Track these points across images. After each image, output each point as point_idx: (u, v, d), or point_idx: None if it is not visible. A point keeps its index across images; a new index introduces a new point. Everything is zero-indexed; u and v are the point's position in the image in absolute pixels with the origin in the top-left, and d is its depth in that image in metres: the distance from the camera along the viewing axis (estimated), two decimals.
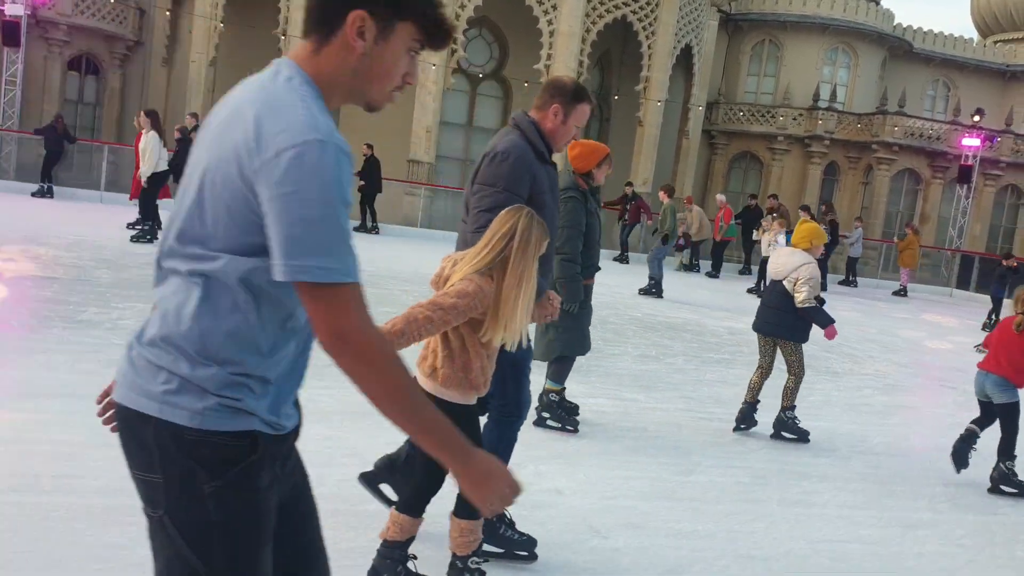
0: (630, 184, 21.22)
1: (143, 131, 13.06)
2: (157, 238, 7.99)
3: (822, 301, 6.20)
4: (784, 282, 6.03)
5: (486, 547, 3.38)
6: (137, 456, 1.67)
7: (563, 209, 5.11)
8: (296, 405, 1.89)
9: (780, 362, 6.28)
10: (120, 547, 3.20)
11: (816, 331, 6.12)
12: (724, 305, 14.89)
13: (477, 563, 3.28)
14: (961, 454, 5.59)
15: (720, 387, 7.67)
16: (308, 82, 1.68)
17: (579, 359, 8.02)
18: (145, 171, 12.97)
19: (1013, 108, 34.17)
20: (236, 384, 1.63)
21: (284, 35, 22.96)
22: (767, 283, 6.55)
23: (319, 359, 5.54)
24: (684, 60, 27.39)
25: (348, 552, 3.40)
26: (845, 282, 23.02)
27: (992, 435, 5.71)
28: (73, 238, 11.90)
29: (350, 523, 3.68)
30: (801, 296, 5.91)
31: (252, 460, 1.66)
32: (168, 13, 27.47)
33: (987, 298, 22.48)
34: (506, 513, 3.37)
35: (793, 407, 6.23)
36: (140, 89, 29.23)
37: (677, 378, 7.85)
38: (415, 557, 3.24)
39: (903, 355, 11.46)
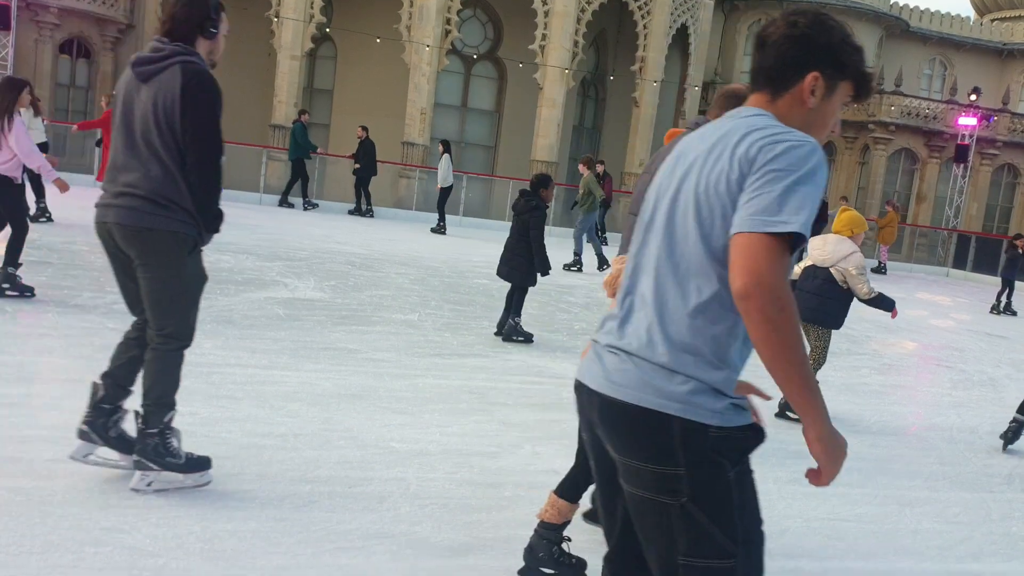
0: (601, 163, 20.92)
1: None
2: None
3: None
4: (832, 270, 6.01)
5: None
6: (648, 450, 1.87)
7: None
8: None
9: None
10: (117, 530, 3.20)
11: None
12: None
13: (563, 538, 3.36)
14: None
15: None
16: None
17: (573, 340, 8.03)
18: None
19: (1010, 87, 34.10)
20: (732, 383, 1.90)
21: (277, 17, 22.81)
22: (803, 269, 6.41)
23: (315, 342, 5.56)
24: (680, 40, 27.27)
25: (345, 533, 3.41)
26: None
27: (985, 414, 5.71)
28: (66, 222, 11.85)
29: (347, 505, 3.68)
30: (864, 288, 6.00)
31: (754, 447, 1.96)
32: None
33: (983, 278, 22.53)
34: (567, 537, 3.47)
35: None
36: None
37: None
38: (570, 539, 3.36)
39: (900, 335, 11.47)
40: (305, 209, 19.20)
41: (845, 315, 6.16)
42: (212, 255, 10.47)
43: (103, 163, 14.29)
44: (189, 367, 5.48)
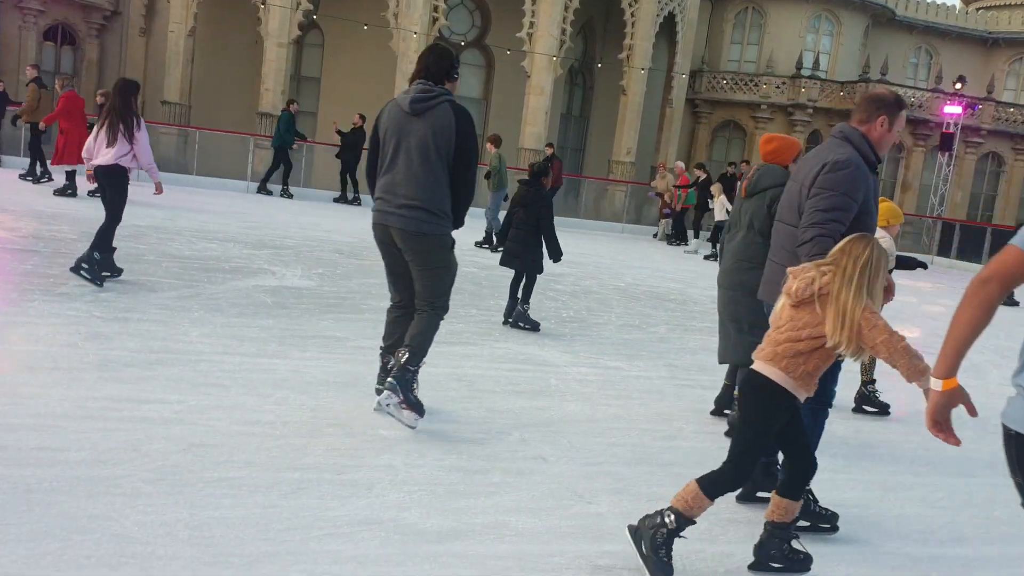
0: (550, 145, 20.76)
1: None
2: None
3: None
4: None
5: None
6: None
7: None
8: None
9: None
10: (104, 518, 3.20)
11: None
12: (709, 274, 14.93)
13: (793, 535, 3.52)
14: None
15: (703, 355, 7.71)
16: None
17: (561, 328, 8.06)
18: None
19: (994, 75, 34.26)
20: None
21: (263, 4, 22.66)
22: None
23: (303, 330, 5.57)
24: (667, 28, 27.26)
25: (334, 520, 3.42)
26: None
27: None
28: (52, 210, 11.79)
29: (336, 492, 3.69)
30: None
31: None
32: None
33: (968, 265, 22.69)
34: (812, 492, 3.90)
35: (873, 380, 6.43)
36: (118, 59, 28.87)
37: (660, 346, 7.89)
38: (798, 536, 3.53)
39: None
40: (282, 196, 19.09)
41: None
42: (199, 243, 10.44)
43: (57, 149, 14.21)
44: (176, 355, 5.50)
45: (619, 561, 3.38)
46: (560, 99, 27.48)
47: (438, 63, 4.75)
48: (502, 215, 12.55)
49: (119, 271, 7.68)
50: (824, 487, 4.57)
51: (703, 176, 19.33)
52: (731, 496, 4.25)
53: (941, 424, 2.57)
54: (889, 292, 4.09)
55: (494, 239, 14.20)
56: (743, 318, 5.21)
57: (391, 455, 4.22)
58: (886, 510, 4.35)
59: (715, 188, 18.61)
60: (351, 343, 6.45)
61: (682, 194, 20.27)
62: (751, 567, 3.49)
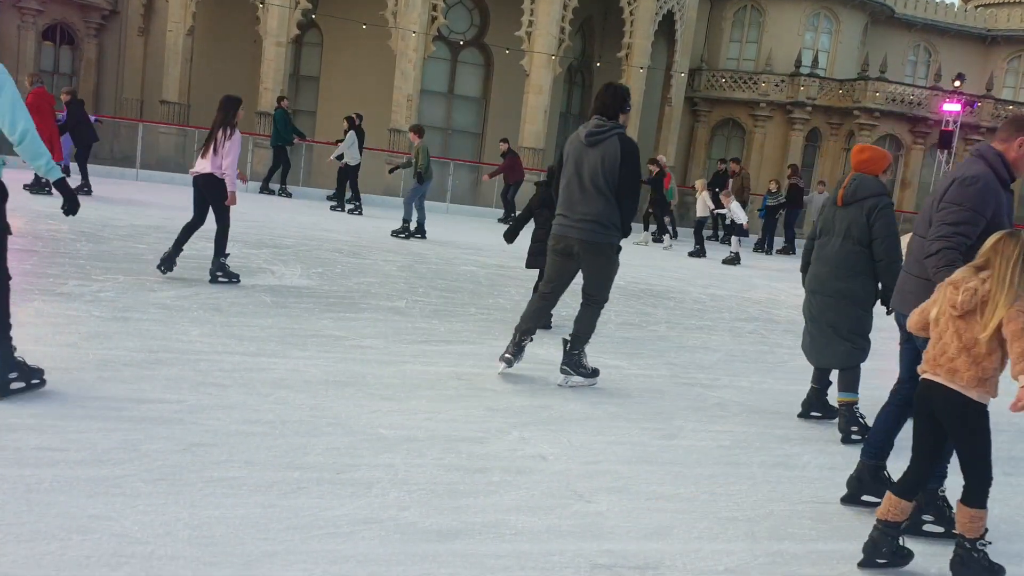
0: (505, 141, 20.63)
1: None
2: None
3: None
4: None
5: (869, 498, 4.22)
6: None
7: (888, 218, 5.43)
8: None
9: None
10: (104, 518, 3.20)
11: None
12: (707, 272, 14.94)
13: (983, 544, 3.61)
14: None
15: (702, 353, 7.72)
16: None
17: (561, 326, 8.06)
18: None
19: (993, 73, 34.24)
20: None
21: (262, 3, 22.65)
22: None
23: (303, 329, 5.57)
24: (666, 27, 27.26)
25: (334, 519, 3.42)
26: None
27: None
28: (50, 210, 11.79)
29: (335, 491, 3.69)
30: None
31: None
32: None
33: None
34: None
35: None
36: (116, 59, 28.85)
37: (660, 345, 7.89)
38: (903, 536, 3.71)
39: (883, 319, 11.53)
40: (279, 195, 19.07)
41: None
42: (198, 243, 10.45)
43: None
44: (176, 355, 5.50)
45: (619, 560, 3.38)
46: (559, 98, 27.47)
47: (612, 101, 5.74)
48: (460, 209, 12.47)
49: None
50: (823, 485, 4.58)
51: (656, 171, 19.11)
52: (729, 495, 4.25)
53: None
54: None
55: (412, 228, 14.23)
56: (842, 325, 5.57)
57: (391, 454, 4.22)
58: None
59: (699, 184, 18.63)
60: (350, 342, 6.45)
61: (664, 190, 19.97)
62: (861, 564, 3.63)
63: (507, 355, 6.05)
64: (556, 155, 27.34)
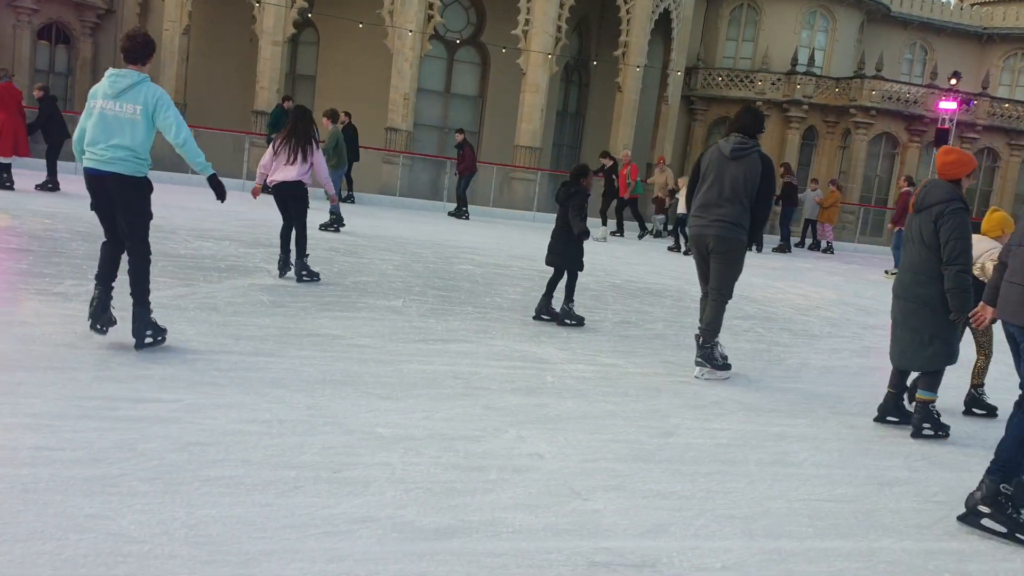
0: (461, 131, 20.27)
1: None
2: None
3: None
4: (974, 268, 6.03)
5: (990, 524, 4.12)
6: None
7: (954, 221, 5.44)
8: None
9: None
10: (101, 517, 3.20)
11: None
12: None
13: None
14: None
15: None
16: None
17: (557, 326, 8.07)
18: None
19: (989, 71, 34.30)
20: None
21: (258, 2, 22.63)
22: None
23: (299, 328, 5.56)
24: (663, 25, 27.27)
25: (331, 518, 3.42)
26: (800, 243, 23.39)
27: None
28: (48, 210, 11.77)
29: (332, 490, 3.69)
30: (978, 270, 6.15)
31: None
32: None
33: None
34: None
35: (983, 384, 6.60)
36: (112, 58, 28.79)
37: (657, 343, 7.90)
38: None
39: (880, 317, 11.56)
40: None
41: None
42: (194, 242, 10.43)
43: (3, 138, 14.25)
44: (172, 354, 5.49)
45: (616, 557, 3.39)
46: (556, 96, 27.47)
47: (752, 123, 6.63)
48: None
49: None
50: (820, 483, 4.58)
51: (609, 163, 18.97)
52: (726, 493, 4.26)
53: None
54: None
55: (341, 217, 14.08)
56: (923, 329, 5.63)
57: (388, 453, 4.22)
58: (882, 505, 4.36)
59: (681, 181, 18.64)
60: (347, 341, 6.45)
61: (631, 183, 19.84)
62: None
63: (702, 371, 6.69)
64: (552, 153, 27.28)
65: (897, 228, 17.93)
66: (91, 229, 10.46)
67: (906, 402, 6.14)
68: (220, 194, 6.05)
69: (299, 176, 8.79)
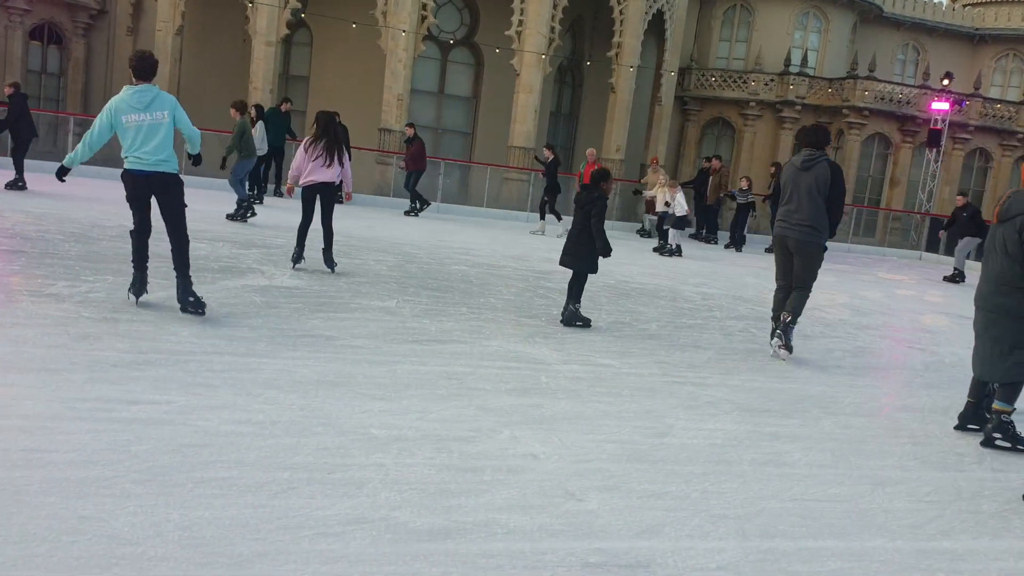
0: (411, 125, 19.78)
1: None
2: None
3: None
4: None
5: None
6: None
7: None
8: None
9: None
10: (94, 519, 3.19)
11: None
12: (698, 271, 14.98)
13: None
14: None
15: (693, 351, 7.73)
16: None
17: (551, 326, 8.07)
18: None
19: (981, 72, 34.41)
20: None
21: (251, 2, 22.59)
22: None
23: (293, 329, 5.55)
24: (656, 26, 27.28)
25: (324, 519, 3.42)
26: None
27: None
28: (39, 211, 11.74)
29: (326, 491, 3.69)
30: None
31: None
32: None
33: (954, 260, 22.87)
34: None
35: None
36: (105, 59, 28.73)
37: (651, 344, 7.91)
38: None
39: (873, 317, 11.59)
40: (274, 195, 19.01)
41: None
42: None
43: None
44: (165, 355, 5.48)
45: (610, 558, 3.39)
46: (549, 97, 27.46)
47: (819, 138, 7.69)
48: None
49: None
50: (813, 482, 4.59)
51: (551, 157, 18.61)
52: (720, 493, 4.27)
53: None
54: None
55: (242, 207, 13.95)
56: (1004, 340, 5.64)
57: (381, 454, 4.22)
58: (875, 505, 4.37)
59: (661, 178, 18.64)
60: (341, 342, 6.44)
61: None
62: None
63: (778, 343, 7.74)
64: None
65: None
66: (84, 231, 10.44)
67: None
68: (198, 161, 7.52)
69: (335, 177, 9.50)
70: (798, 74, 31.63)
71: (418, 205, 19.40)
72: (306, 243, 9.57)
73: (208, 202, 14.47)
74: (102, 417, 4.25)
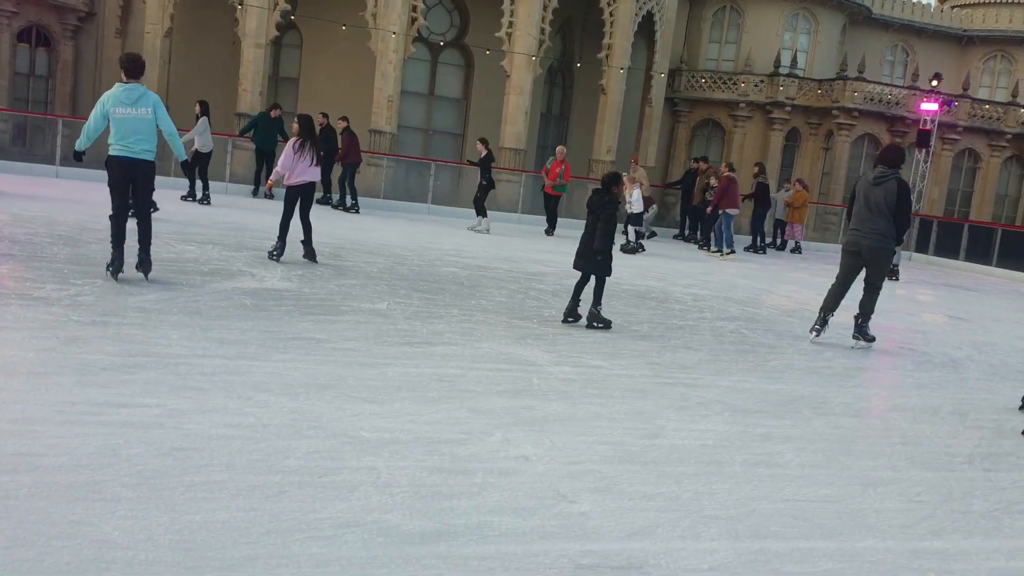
0: (344, 118, 19.24)
1: None
2: None
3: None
4: None
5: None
6: None
7: None
8: None
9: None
10: (84, 523, 3.17)
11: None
12: (688, 272, 15.00)
13: None
14: None
15: (684, 352, 7.74)
16: None
17: (542, 328, 8.07)
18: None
19: (970, 73, 34.59)
20: None
21: (241, 4, 22.53)
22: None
23: (283, 332, 5.53)
24: (646, 27, 27.33)
25: (316, 523, 3.41)
26: (772, 244, 23.34)
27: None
28: (27, 214, 11.68)
29: (317, 494, 3.68)
30: None
31: None
32: None
33: (946, 261, 22.94)
34: None
35: None
36: (93, 61, 28.61)
37: (642, 345, 7.91)
38: None
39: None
40: (266, 197, 18.92)
41: None
42: (177, 246, 10.40)
43: None
44: (155, 359, 5.46)
45: (602, 560, 3.39)
46: (540, 98, 27.48)
47: (894, 157, 8.66)
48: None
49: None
50: (804, 483, 4.60)
51: (484, 152, 18.32)
52: (712, 494, 4.27)
53: None
54: None
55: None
56: None
57: (373, 457, 4.21)
58: (866, 505, 4.38)
59: (627, 179, 18.68)
60: (331, 345, 6.43)
61: (561, 180, 19.31)
62: None
63: (816, 326, 9.07)
64: (536, 155, 27.35)
65: (723, 210, 18.84)
66: (73, 234, 10.39)
67: None
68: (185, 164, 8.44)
69: (318, 176, 10.38)
70: (788, 75, 31.73)
71: (348, 200, 18.90)
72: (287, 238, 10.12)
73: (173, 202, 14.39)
74: (92, 421, 4.23)
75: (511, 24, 23.61)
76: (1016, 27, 35.19)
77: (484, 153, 18.18)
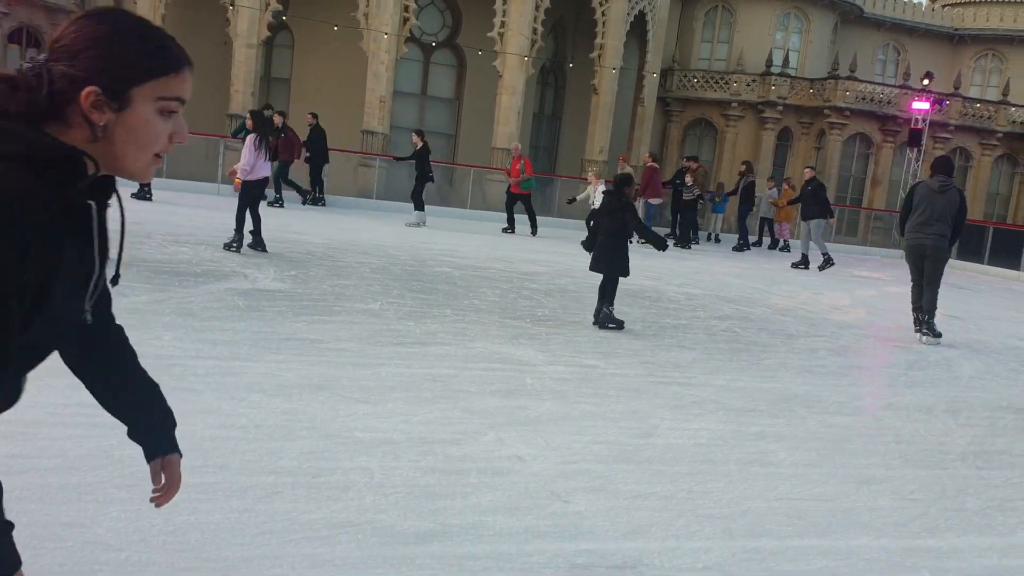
0: (281, 113, 18.80)
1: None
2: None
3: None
4: None
5: None
6: None
7: None
8: None
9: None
10: (76, 525, 3.16)
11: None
12: (682, 271, 15.01)
13: None
14: None
15: (678, 351, 7.75)
16: None
17: (536, 327, 8.07)
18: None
19: (961, 71, 34.70)
20: None
21: (232, 5, 22.49)
22: None
23: (276, 333, 5.52)
24: (638, 27, 27.36)
25: (310, 523, 3.40)
26: (757, 243, 23.36)
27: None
28: None
29: (311, 495, 3.67)
30: None
31: None
32: None
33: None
34: None
35: None
36: None
37: (636, 344, 7.91)
38: None
39: (857, 316, 11.66)
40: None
41: None
42: (170, 247, 10.38)
43: None
44: (148, 359, 5.40)
45: (597, 559, 3.39)
46: (532, 98, 27.49)
47: (948, 167, 9.77)
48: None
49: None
50: (798, 482, 4.60)
51: (420, 144, 18.05)
52: (706, 493, 4.27)
53: None
54: None
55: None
56: None
57: (366, 457, 4.20)
58: (860, 503, 4.39)
59: (592, 175, 19.00)
60: (324, 345, 6.41)
61: (524, 176, 19.17)
62: None
63: (922, 331, 9.69)
64: (529, 155, 27.37)
65: (645, 199, 19.35)
66: None
67: None
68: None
69: (269, 171, 10.92)
70: (780, 75, 31.82)
71: (289, 195, 18.70)
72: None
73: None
74: (84, 423, 4.20)
75: (503, 24, 23.61)
76: (1007, 26, 35.34)
77: (420, 145, 17.78)
